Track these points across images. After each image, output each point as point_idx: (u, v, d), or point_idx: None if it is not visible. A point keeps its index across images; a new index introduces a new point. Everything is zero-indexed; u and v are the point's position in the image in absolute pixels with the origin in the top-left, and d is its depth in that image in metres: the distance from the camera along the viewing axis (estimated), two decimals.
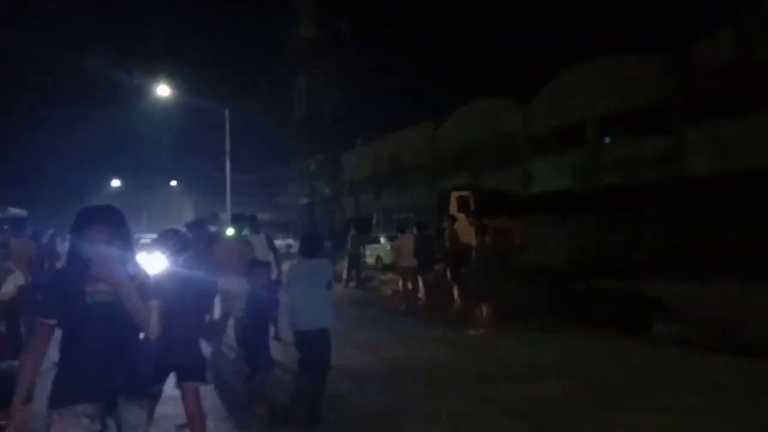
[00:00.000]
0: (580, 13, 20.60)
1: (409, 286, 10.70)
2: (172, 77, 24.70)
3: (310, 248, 4.88)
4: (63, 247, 9.27)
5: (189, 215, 44.23)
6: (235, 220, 8.02)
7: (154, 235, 19.75)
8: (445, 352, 7.36)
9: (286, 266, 6.62)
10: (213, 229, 9.04)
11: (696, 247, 12.19)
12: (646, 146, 17.52)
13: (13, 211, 14.46)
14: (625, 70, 18.25)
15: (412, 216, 17.81)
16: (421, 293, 10.72)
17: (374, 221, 20.79)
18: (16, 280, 5.03)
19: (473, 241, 9.09)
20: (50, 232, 9.72)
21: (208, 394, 4.46)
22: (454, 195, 15.84)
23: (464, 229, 11.95)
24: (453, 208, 15.29)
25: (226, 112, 23.07)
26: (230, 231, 7.98)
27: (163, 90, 23.23)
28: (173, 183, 49.92)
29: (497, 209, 14.19)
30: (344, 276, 14.57)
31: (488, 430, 4.55)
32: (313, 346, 4.57)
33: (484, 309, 8.26)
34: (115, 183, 52.69)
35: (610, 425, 4.51)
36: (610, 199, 16.24)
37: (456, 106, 24.58)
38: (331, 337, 4.68)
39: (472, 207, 14.71)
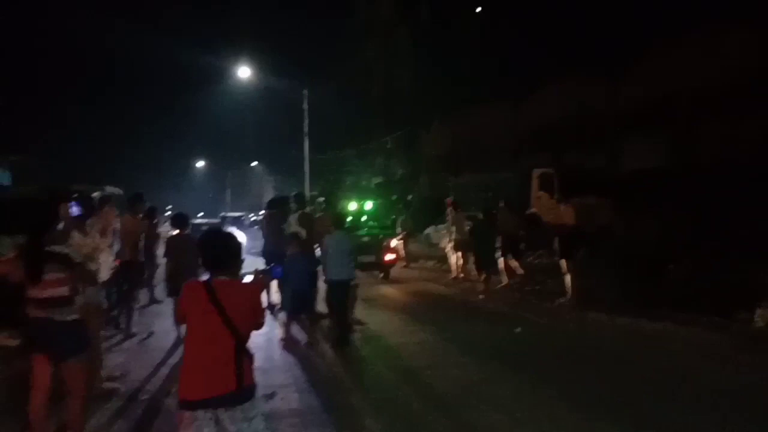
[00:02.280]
0: None
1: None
2: (253, 59, 25.20)
3: (339, 223, 7.55)
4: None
5: (269, 194, 45.71)
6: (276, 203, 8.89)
7: (239, 213, 20.56)
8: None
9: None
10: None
11: None
12: (744, 122, 16.10)
13: (110, 189, 15.27)
14: (723, 41, 16.79)
15: (491, 195, 17.30)
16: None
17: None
18: (108, 263, 5.21)
19: (561, 220, 8.84)
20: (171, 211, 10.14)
21: None
22: (536, 172, 15.24)
23: (547, 208, 11.51)
24: (535, 186, 14.75)
25: (305, 92, 23.38)
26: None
27: (243, 72, 23.85)
28: (254, 163, 51.52)
29: (582, 187, 13.54)
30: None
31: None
32: (336, 292, 7.06)
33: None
34: (200, 164, 55.09)
35: None
36: (705, 178, 15.07)
37: (538, 84, 23.63)
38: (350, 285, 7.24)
39: (556, 185, 14.12)
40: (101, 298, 5.24)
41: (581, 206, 13.15)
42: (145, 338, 7.66)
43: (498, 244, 10.83)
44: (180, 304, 2.89)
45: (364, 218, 14.60)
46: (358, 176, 28.59)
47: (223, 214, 26.18)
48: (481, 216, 11.27)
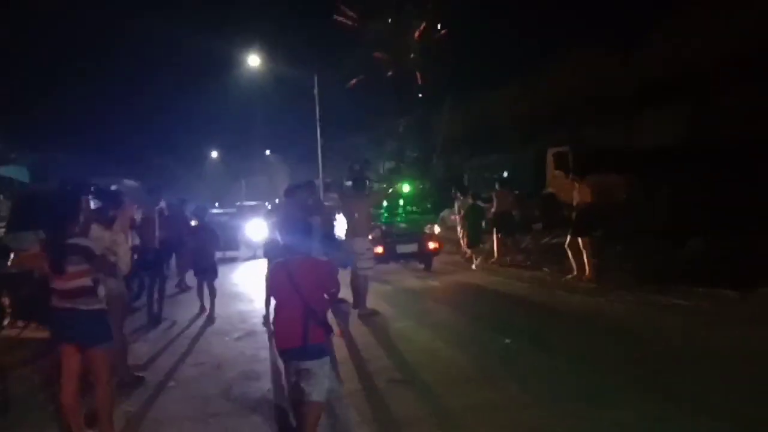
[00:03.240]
0: None
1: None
2: (263, 47, 25.11)
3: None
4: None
5: (284, 182, 45.79)
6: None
7: (254, 202, 20.19)
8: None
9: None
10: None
11: None
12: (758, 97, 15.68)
13: (127, 182, 15.44)
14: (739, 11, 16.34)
15: (506, 175, 17.17)
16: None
17: (465, 182, 20.34)
18: (127, 254, 5.27)
19: (577, 198, 8.79)
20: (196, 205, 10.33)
21: None
22: (551, 152, 15.09)
23: (564, 187, 11.43)
24: (551, 166, 14.61)
25: (315, 78, 23.26)
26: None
27: (253, 60, 23.78)
28: (268, 152, 51.60)
29: (599, 165, 13.38)
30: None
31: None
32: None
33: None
34: (214, 154, 55.31)
35: None
36: (725, 152, 14.76)
37: (551, 60, 23.25)
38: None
39: (571, 163, 13.97)
40: (123, 289, 5.32)
41: (598, 184, 13.04)
42: (170, 327, 7.78)
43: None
44: (268, 279, 3.93)
45: (401, 202, 13.14)
46: (370, 162, 28.43)
47: (239, 203, 26.30)
48: (471, 200, 12.01)
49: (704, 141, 16.72)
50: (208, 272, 8.26)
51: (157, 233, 8.02)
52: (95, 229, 4.68)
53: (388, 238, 10.92)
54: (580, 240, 9.06)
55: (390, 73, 28.41)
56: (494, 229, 11.80)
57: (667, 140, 17.75)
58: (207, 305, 8.25)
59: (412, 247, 11.07)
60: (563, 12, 23.76)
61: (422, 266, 11.60)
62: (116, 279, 4.93)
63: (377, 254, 9.96)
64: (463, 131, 26.39)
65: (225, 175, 57.89)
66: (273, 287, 3.58)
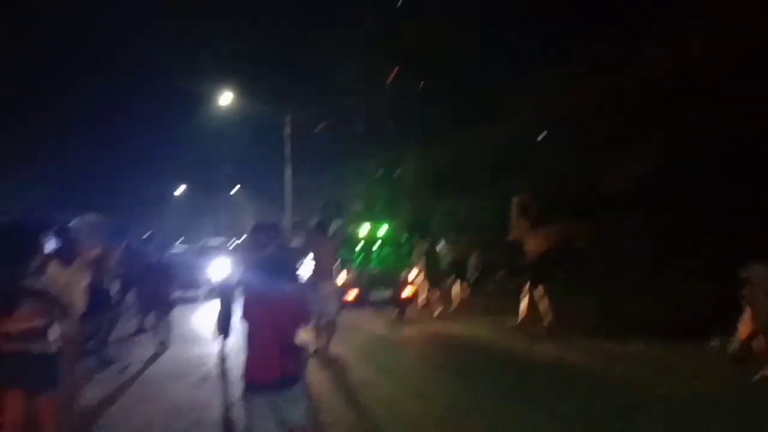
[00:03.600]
0: None
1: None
2: (234, 84, 25.25)
3: None
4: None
5: (250, 219, 45.34)
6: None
7: (218, 241, 19.65)
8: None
9: None
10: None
11: None
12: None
13: (90, 216, 15.05)
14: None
15: (473, 219, 17.42)
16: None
17: (432, 226, 20.56)
18: (82, 294, 5.17)
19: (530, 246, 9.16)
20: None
21: None
22: (515, 200, 15.38)
23: (527, 235, 11.65)
24: (514, 213, 14.87)
25: (287, 118, 23.45)
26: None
27: (225, 98, 23.89)
28: (235, 189, 51.23)
29: (562, 210, 13.72)
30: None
31: None
32: None
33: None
34: (181, 189, 54.63)
35: None
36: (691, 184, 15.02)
37: (510, 103, 23.84)
38: None
39: (535, 210, 14.27)
40: (77, 330, 5.15)
41: (560, 230, 13.33)
42: (123, 370, 7.53)
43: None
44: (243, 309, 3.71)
45: (376, 245, 12.11)
46: (341, 204, 28.49)
47: (203, 242, 25.79)
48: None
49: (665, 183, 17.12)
50: (163, 308, 8.68)
51: (112, 272, 7.86)
52: (52, 267, 4.57)
53: (363, 282, 10.72)
54: (540, 287, 9.19)
55: (360, 115, 28.84)
56: (453, 276, 11.75)
57: (628, 184, 18.21)
58: (166, 340, 8.56)
59: (387, 293, 10.80)
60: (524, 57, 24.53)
61: (395, 311, 11.08)
62: (70, 319, 4.79)
63: (350, 300, 9.85)
64: (433, 174, 26.75)
65: (191, 209, 57.13)
66: (248, 321, 3.59)
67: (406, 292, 10.90)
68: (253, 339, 3.55)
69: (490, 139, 24.59)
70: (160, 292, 8.71)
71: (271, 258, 4.09)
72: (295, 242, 10.47)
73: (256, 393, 3.41)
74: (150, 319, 9.51)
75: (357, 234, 11.97)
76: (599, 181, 19.50)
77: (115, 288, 8.49)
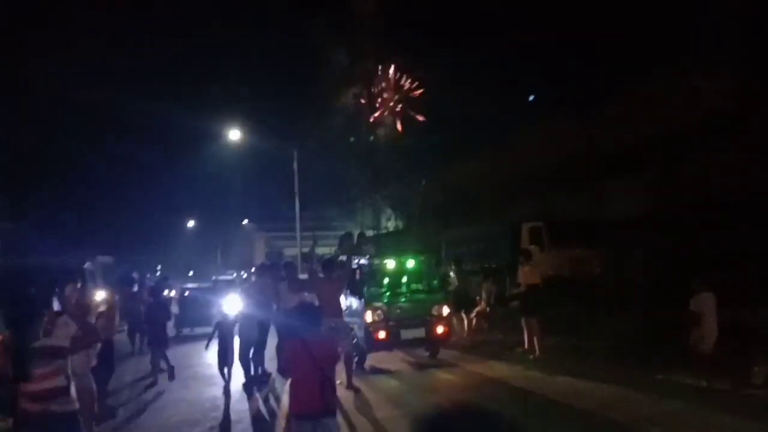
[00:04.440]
0: (646, 24, 19.76)
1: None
2: (244, 121, 25.59)
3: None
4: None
5: (260, 251, 45.46)
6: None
7: (231, 276, 19.61)
8: None
9: None
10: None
11: None
12: (717, 163, 16.33)
13: (101, 258, 15.19)
14: (696, 82, 17.26)
15: (483, 247, 17.40)
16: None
17: (442, 254, 20.51)
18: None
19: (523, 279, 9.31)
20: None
21: None
22: (526, 226, 15.38)
23: (539, 262, 11.63)
24: (525, 240, 14.85)
25: (294, 153, 23.69)
26: None
27: (234, 134, 24.21)
28: (245, 222, 51.50)
29: (571, 238, 13.66)
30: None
31: None
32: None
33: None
34: (191, 224, 54.96)
35: None
36: (688, 220, 15.20)
37: (519, 130, 24.04)
38: None
39: (545, 238, 14.23)
40: (91, 384, 5.15)
41: (570, 257, 13.26)
42: (131, 416, 7.46)
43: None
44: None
45: (404, 279, 11.00)
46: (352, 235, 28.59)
47: (214, 277, 25.76)
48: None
49: (664, 211, 17.19)
50: (159, 342, 9.74)
51: (117, 321, 7.89)
52: (60, 321, 4.57)
53: (392, 320, 9.67)
54: (531, 320, 9.45)
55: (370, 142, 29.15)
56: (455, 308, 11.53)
57: (631, 208, 18.25)
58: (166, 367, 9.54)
59: (418, 332, 9.81)
60: (531, 83, 24.83)
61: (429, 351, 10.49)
62: (83, 375, 4.80)
63: (380, 339, 9.44)
64: (442, 202, 26.84)
65: (201, 244, 57.38)
66: (292, 362, 4.34)
67: (440, 330, 9.98)
68: (298, 377, 4.25)
69: (496, 168, 24.76)
70: (159, 330, 9.78)
71: (304, 307, 4.88)
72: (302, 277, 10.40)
73: (301, 420, 4.12)
74: (156, 357, 9.80)
75: (385, 267, 10.81)
76: (602, 212, 19.62)
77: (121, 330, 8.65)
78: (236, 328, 9.00)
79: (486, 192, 24.15)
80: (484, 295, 11.89)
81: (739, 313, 8.41)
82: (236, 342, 8.85)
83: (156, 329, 9.76)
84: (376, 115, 29.85)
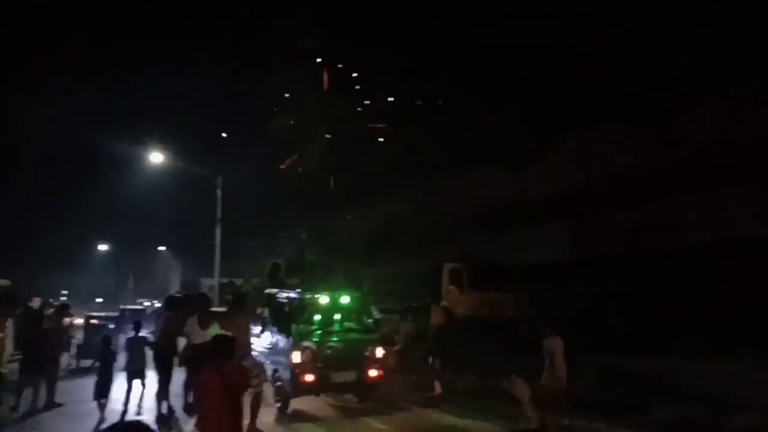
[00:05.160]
0: (572, 82, 21.30)
1: None
2: (163, 141, 24.70)
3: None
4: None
5: (176, 279, 43.57)
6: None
7: (140, 306, 18.74)
8: None
9: None
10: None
11: (694, 317, 11.94)
12: (637, 216, 17.51)
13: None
14: (614, 141, 18.52)
15: (404, 286, 17.50)
16: None
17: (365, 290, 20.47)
18: None
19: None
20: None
21: None
22: (447, 267, 15.65)
23: (457, 302, 11.81)
24: (445, 281, 15.08)
25: (219, 179, 23.14)
26: None
27: (156, 157, 23.32)
28: (162, 248, 49.39)
29: (490, 281, 14.00)
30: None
31: None
32: None
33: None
34: (103, 247, 52.02)
35: None
36: (605, 269, 16.06)
37: (446, 173, 24.78)
38: None
39: (465, 279, 14.51)
40: None
41: (488, 299, 13.58)
42: None
43: None
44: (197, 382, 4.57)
45: (337, 316, 9.86)
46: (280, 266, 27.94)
47: (122, 306, 24.17)
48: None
49: (580, 259, 18.16)
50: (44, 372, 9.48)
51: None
52: None
53: (322, 362, 8.87)
54: (436, 360, 9.98)
55: (295, 178, 28.88)
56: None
57: (550, 256, 19.10)
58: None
59: (349, 376, 9.05)
60: (460, 127, 25.77)
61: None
62: None
63: (307, 383, 8.61)
64: (366, 239, 26.87)
65: (114, 269, 54.37)
66: (208, 395, 4.23)
67: (373, 373, 9.25)
68: (211, 408, 4.19)
69: (420, 209, 25.24)
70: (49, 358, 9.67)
71: (218, 338, 4.92)
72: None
73: None
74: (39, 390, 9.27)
75: (316, 302, 9.77)
76: (521, 257, 20.44)
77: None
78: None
79: (411, 232, 24.46)
80: (403, 334, 11.89)
81: (626, 360, 8.99)
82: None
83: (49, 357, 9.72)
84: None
